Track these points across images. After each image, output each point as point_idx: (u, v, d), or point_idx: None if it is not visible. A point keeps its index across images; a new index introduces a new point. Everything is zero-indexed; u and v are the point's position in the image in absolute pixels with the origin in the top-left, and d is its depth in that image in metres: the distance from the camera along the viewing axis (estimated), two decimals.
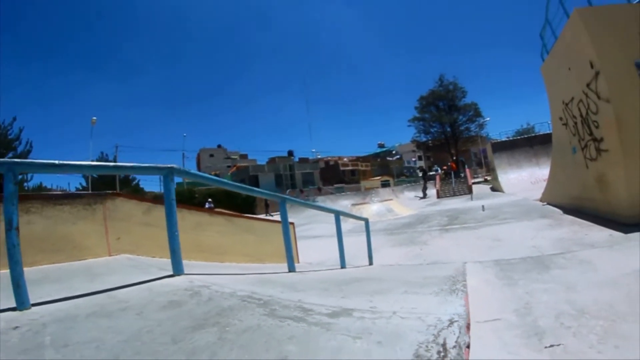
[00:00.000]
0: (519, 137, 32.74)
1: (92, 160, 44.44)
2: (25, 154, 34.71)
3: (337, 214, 6.57)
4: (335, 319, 1.99)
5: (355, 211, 18.41)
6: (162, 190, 3.58)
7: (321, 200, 30.50)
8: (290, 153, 74.93)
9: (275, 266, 5.70)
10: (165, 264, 4.09)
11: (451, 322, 1.80)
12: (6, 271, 2.92)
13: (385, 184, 50.79)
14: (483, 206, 14.64)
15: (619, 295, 3.73)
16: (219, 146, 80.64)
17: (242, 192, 5.23)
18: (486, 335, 2.86)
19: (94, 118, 38.16)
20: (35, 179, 35.90)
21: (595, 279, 4.31)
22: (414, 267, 6.43)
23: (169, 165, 3.54)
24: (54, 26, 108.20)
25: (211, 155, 76.62)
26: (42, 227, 4.44)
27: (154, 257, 4.88)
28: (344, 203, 28.83)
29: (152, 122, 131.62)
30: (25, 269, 3.54)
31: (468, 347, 1.62)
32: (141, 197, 5.84)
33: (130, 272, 3.70)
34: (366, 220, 7.96)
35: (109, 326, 2.06)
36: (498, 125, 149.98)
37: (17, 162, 2.73)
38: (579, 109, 9.25)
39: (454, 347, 1.53)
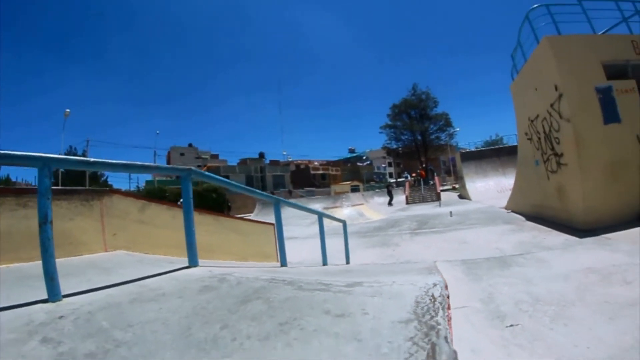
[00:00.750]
0: (487, 148, 34.05)
1: (60, 154, 43.65)
2: None
3: (320, 216, 7.11)
4: (352, 288, 2.53)
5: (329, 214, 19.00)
6: (181, 190, 3.85)
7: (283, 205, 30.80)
8: (262, 155, 74.84)
9: (264, 263, 6.05)
10: (165, 259, 4.46)
11: (434, 284, 2.40)
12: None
13: (355, 189, 51.46)
14: (451, 212, 15.30)
15: (569, 287, 4.49)
16: (190, 145, 78.72)
17: (247, 193, 5.61)
18: (457, 318, 3.46)
19: (67, 110, 37.51)
20: (2, 171, 35.06)
21: (550, 274, 5.07)
22: (391, 264, 7.02)
23: (188, 167, 3.87)
24: (27, 15, 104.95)
25: (182, 154, 75.15)
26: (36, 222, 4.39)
27: (147, 253, 5.00)
28: (315, 206, 29.16)
29: (124, 119, 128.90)
30: (27, 264, 3.80)
31: (448, 297, 2.26)
32: (137, 195, 6.00)
33: (139, 266, 3.89)
34: (344, 222, 8.53)
35: (160, 308, 2.27)
36: (467, 135, 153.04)
37: (52, 157, 2.72)
38: (543, 126, 10.16)
39: (440, 296, 2.14)
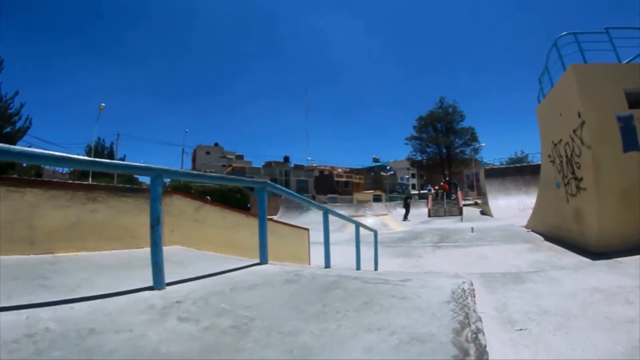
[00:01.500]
0: (511, 166, 33.92)
1: (90, 144, 44.96)
2: (24, 130, 34.83)
3: (357, 225, 7.64)
4: (404, 282, 2.98)
5: (350, 224, 19.31)
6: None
7: (315, 210, 30.96)
8: (287, 159, 75.61)
9: (305, 265, 6.50)
10: (220, 256, 4.88)
11: (463, 282, 2.83)
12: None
13: (377, 199, 51.77)
14: (472, 228, 15.65)
15: (574, 303, 4.98)
16: (216, 144, 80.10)
17: (304, 203, 6.13)
18: None
19: (102, 104, 38.59)
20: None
21: (559, 291, 5.54)
22: (417, 273, 7.52)
23: (263, 180, 4.37)
24: (64, 6, 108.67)
25: (207, 153, 76.17)
26: (106, 216, 4.80)
27: (199, 249, 5.33)
28: (339, 212, 29.33)
29: (151, 113, 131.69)
30: (93, 253, 4.33)
31: (474, 290, 2.74)
32: (193, 196, 6.44)
33: (206, 261, 4.24)
34: (375, 232, 9.05)
35: (263, 294, 2.64)
36: (492, 150, 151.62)
37: (165, 169, 3.11)
38: (565, 150, 10.53)
39: (468, 289, 2.61)
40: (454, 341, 1.60)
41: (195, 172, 3.84)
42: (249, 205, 34.72)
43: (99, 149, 44.61)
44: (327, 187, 65.87)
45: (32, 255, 3.94)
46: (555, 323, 4.32)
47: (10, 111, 34.29)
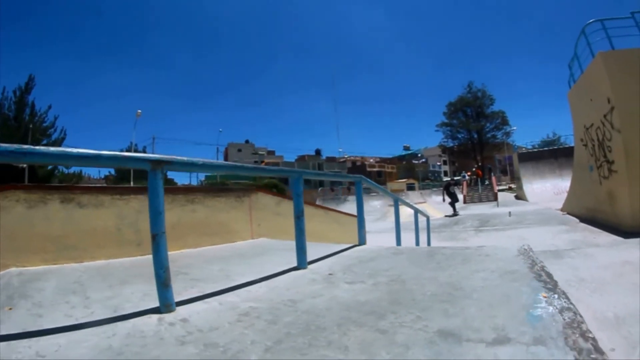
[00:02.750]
0: (544, 149, 33.40)
1: (123, 150, 46.38)
2: (60, 141, 35.71)
3: (416, 212, 8.50)
4: (481, 248, 3.68)
5: (390, 212, 19.90)
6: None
7: (352, 200, 31.27)
8: (318, 152, 75.69)
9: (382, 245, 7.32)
10: (312, 244, 5.28)
11: (524, 245, 3.46)
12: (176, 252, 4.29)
13: (410, 187, 51.71)
14: (510, 212, 16.04)
15: (607, 273, 5.62)
16: (247, 141, 79.90)
17: (377, 189, 6.48)
18: None
19: (139, 111, 39.76)
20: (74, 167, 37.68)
21: (594, 265, 6.15)
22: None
23: (359, 175, 4.94)
24: (84, 10, 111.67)
25: (239, 150, 76.36)
26: (203, 215, 5.24)
27: (281, 239, 5.70)
28: (374, 203, 29.54)
29: (181, 113, 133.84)
30: (196, 249, 4.75)
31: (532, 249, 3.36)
32: (274, 192, 7.14)
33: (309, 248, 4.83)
34: (428, 217, 10.01)
35: (387, 262, 3.35)
36: (523, 133, 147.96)
37: (304, 171, 3.85)
38: (597, 134, 10.92)
39: (528, 248, 3.28)
40: (531, 271, 2.53)
41: (320, 171, 4.58)
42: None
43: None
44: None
45: (139, 257, 4.36)
46: (592, 288, 4.98)
47: (45, 124, 35.68)
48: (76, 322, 2.05)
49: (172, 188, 5.67)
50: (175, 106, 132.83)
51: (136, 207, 4.74)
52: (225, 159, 72.12)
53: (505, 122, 57.41)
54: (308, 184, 55.25)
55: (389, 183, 61.75)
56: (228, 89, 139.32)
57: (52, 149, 1.93)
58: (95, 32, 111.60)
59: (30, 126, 34.04)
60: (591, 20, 11.23)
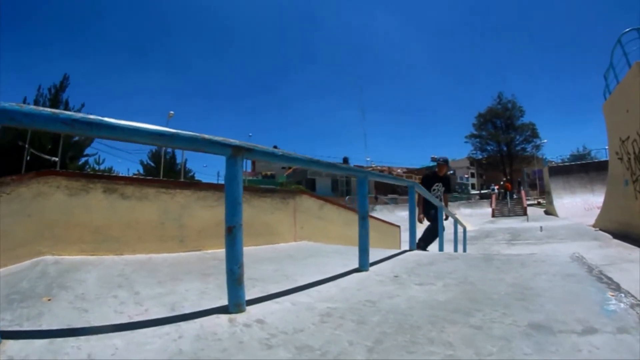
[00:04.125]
0: (574, 163, 32.73)
1: (152, 152, 47.57)
2: (91, 138, 37.76)
3: (456, 222, 8.44)
4: (532, 255, 3.76)
5: (419, 223, 19.69)
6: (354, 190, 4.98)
7: (379, 210, 30.79)
8: (346, 160, 75.37)
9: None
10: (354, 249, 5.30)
11: (574, 252, 3.39)
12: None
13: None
14: (541, 227, 15.66)
15: None
16: (275, 147, 79.12)
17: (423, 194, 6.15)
18: None
19: (171, 112, 40.68)
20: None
21: (629, 278, 5.97)
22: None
23: (412, 181, 4.94)
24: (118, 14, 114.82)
25: None
26: (248, 215, 4.69)
27: (322, 243, 5.73)
28: (401, 214, 29.47)
29: (210, 117, 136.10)
30: (247, 248, 4.79)
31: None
32: (317, 195, 7.16)
33: (353, 252, 4.51)
34: (464, 228, 10.01)
35: (446, 265, 3.33)
36: (552, 147, 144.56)
37: (370, 172, 3.73)
38: (633, 147, 10.63)
39: (582, 256, 3.19)
40: (590, 274, 2.54)
41: (380, 173, 4.81)
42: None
43: (162, 155, 47.17)
44: (387, 187, 65.22)
45: (181, 253, 4.31)
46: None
47: None
48: (130, 320, 1.87)
49: (218, 185, 5.53)
50: (204, 109, 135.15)
51: (181, 202, 4.67)
52: (253, 164, 72.63)
53: (535, 134, 56.32)
54: (335, 192, 55.24)
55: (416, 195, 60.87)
56: (255, 95, 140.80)
57: (123, 122, 1.69)
58: (127, 35, 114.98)
59: None
60: (627, 30, 11.05)
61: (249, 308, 2.01)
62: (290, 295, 2.34)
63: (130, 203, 4.32)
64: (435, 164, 8.29)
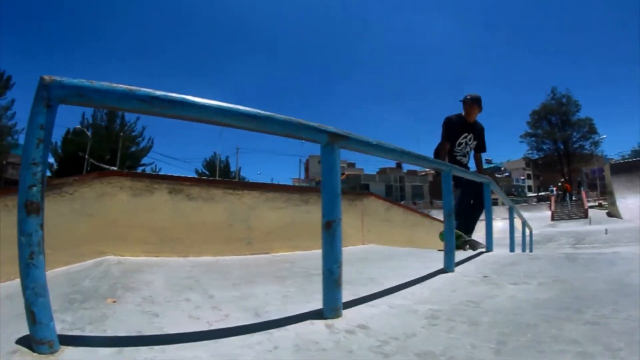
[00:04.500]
0: (638, 159, 29.85)
1: (207, 160, 49.22)
2: (148, 149, 41.16)
3: (524, 222, 8.31)
4: (615, 254, 3.59)
5: (478, 227, 19.25)
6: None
7: (435, 214, 30.32)
8: (399, 165, 74.76)
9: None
10: (426, 250, 5.01)
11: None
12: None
13: (493, 202, 49.05)
14: (606, 230, 15.13)
15: None
16: None
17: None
18: None
19: None
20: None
21: None
22: None
23: (488, 178, 4.74)
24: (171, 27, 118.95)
25: (319, 162, 77.63)
26: (317, 217, 4.31)
27: (388, 246, 5.47)
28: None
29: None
30: (308, 252, 4.32)
31: None
32: (384, 197, 6.96)
33: (428, 254, 4.41)
34: (531, 230, 9.78)
35: (540, 264, 3.19)
36: (612, 142, 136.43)
37: (454, 167, 3.51)
38: None
39: None
40: None
41: (462, 169, 4.40)
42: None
43: (215, 163, 48.71)
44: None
45: (248, 255, 4.15)
46: None
47: (133, 134, 40.30)
48: (211, 328, 1.67)
49: (287, 187, 5.47)
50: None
51: (249, 204, 4.54)
52: (307, 169, 73.06)
53: (593, 130, 53.46)
54: (389, 197, 54.86)
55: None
56: (307, 100, 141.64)
57: (211, 101, 1.56)
58: (177, 43, 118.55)
59: (121, 134, 38.06)
60: None
61: (344, 312, 1.83)
62: (383, 298, 2.19)
63: (196, 204, 4.27)
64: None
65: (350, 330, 1.60)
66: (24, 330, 1.33)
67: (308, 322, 1.71)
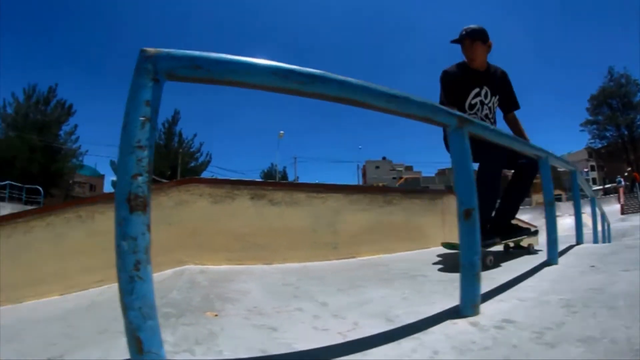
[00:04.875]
0: None
1: (264, 171, 50.00)
2: (206, 163, 42.90)
3: (603, 215, 8.07)
4: None
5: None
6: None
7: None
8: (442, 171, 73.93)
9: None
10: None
11: None
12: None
13: (557, 198, 46.50)
14: None
15: None
16: (384, 158, 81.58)
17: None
18: None
19: (282, 132, 43.29)
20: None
21: None
22: None
23: (574, 168, 4.52)
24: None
25: (377, 167, 78.39)
26: (400, 218, 4.78)
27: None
28: (522, 217, 27.62)
29: (316, 133, 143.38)
30: (392, 255, 4.21)
31: None
32: None
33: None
34: (609, 224, 9.54)
35: (636, 254, 2.94)
36: None
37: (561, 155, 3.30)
38: None
39: None
40: None
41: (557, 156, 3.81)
42: None
43: (273, 173, 49.44)
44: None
45: (335, 261, 3.98)
46: None
47: (191, 150, 42.25)
48: (347, 339, 1.49)
49: (369, 187, 5.35)
50: (311, 126, 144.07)
51: (334, 207, 4.36)
52: (364, 175, 73.02)
53: None
54: None
55: (534, 195, 57.12)
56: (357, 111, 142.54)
57: (354, 80, 1.48)
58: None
59: (180, 151, 39.55)
60: None
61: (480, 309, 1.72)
62: (505, 293, 2.09)
63: (279, 209, 4.12)
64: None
65: (498, 325, 1.52)
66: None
67: (448, 322, 1.60)
